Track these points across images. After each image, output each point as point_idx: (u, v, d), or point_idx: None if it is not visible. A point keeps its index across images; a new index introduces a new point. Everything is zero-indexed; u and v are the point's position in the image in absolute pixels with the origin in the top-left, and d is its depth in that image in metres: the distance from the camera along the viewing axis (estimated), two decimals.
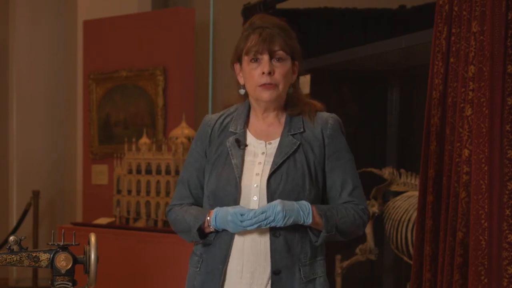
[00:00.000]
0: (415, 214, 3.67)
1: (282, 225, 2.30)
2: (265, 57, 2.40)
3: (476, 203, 2.82)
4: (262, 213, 2.29)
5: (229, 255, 2.40)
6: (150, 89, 6.06)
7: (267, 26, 2.42)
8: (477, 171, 2.82)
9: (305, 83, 4.58)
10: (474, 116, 2.86)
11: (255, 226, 2.30)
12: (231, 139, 2.46)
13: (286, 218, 2.30)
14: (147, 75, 6.07)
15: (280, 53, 2.41)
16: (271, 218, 2.29)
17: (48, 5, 7.31)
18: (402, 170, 4.43)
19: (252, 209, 2.32)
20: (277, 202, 2.31)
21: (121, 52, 6.22)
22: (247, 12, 5.05)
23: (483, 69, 2.81)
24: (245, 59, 2.43)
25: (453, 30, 3.03)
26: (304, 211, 2.34)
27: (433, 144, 3.14)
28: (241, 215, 2.31)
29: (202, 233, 2.42)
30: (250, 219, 2.30)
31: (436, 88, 3.12)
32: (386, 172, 4.47)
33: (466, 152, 2.89)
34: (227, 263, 2.40)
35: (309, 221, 2.34)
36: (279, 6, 5.04)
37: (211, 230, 2.41)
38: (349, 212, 2.42)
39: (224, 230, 2.39)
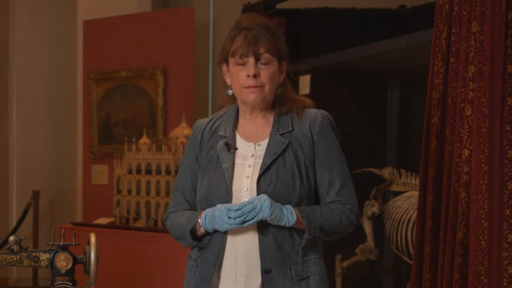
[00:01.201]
0: (415, 214, 3.67)
1: (268, 216, 2.29)
2: (251, 60, 2.38)
3: (476, 203, 2.81)
4: (249, 204, 2.29)
5: (222, 258, 2.39)
6: (150, 89, 6.05)
7: (253, 27, 2.40)
8: (477, 171, 2.81)
9: (305, 83, 4.58)
10: (474, 116, 2.86)
11: (242, 218, 2.28)
12: (221, 143, 2.44)
13: (272, 208, 2.29)
14: (147, 75, 6.06)
15: (266, 55, 2.39)
16: (258, 207, 2.28)
17: (48, 5, 7.30)
18: (402, 170, 4.43)
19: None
20: (263, 194, 2.31)
21: (121, 52, 6.21)
22: (247, 12, 5.04)
23: (483, 69, 2.81)
24: (231, 61, 2.42)
25: (453, 30, 3.03)
26: (287, 209, 2.33)
27: (433, 144, 3.14)
28: (228, 210, 2.30)
29: (195, 235, 2.42)
30: (238, 209, 2.29)
31: (436, 88, 3.12)
32: (386, 172, 4.47)
33: (466, 152, 2.89)
34: (221, 267, 2.39)
35: (293, 218, 2.32)
36: (279, 6, 5.04)
37: (203, 231, 2.40)
38: (334, 213, 2.39)
39: (216, 232, 2.38)
